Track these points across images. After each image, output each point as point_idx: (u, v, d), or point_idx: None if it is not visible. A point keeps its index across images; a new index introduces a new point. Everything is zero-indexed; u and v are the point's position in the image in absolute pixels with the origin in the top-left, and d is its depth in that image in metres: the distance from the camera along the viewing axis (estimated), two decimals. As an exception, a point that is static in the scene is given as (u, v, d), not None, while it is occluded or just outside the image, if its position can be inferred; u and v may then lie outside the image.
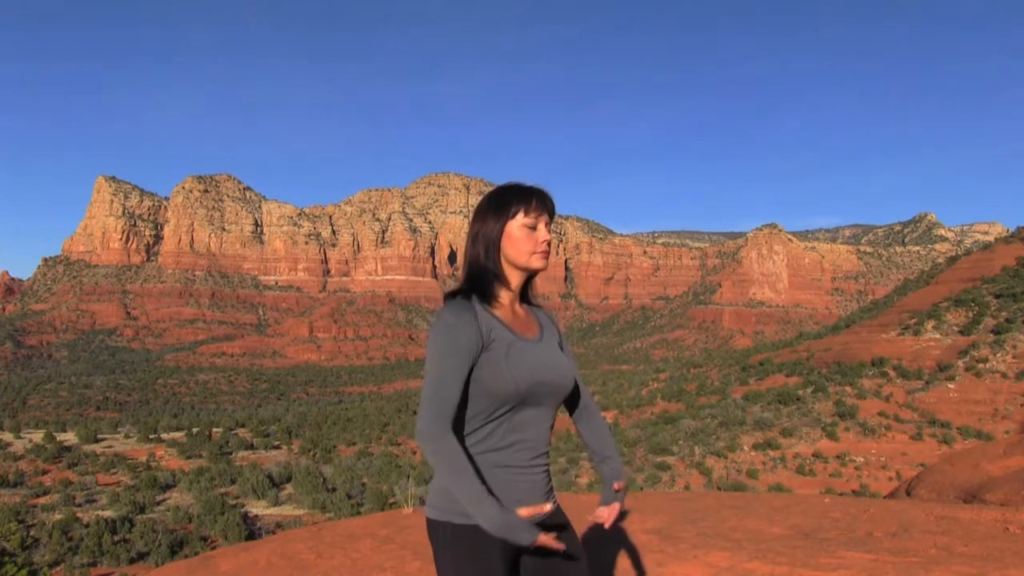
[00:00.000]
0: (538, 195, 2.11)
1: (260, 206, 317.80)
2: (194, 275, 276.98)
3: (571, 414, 2.32)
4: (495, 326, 2.01)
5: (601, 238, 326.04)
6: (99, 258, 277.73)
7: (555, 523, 2.10)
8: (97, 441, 56.25)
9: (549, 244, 2.11)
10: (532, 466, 2.04)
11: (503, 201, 2.10)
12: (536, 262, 2.09)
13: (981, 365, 48.25)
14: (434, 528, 2.01)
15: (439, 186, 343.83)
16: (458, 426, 2.00)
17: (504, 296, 2.11)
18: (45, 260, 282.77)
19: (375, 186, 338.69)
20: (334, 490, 33.48)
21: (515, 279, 2.12)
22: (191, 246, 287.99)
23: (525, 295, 2.21)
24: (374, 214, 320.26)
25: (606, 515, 2.17)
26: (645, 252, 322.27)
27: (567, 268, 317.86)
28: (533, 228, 2.08)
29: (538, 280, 2.33)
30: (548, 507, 2.02)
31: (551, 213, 2.13)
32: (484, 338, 1.96)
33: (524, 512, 1.98)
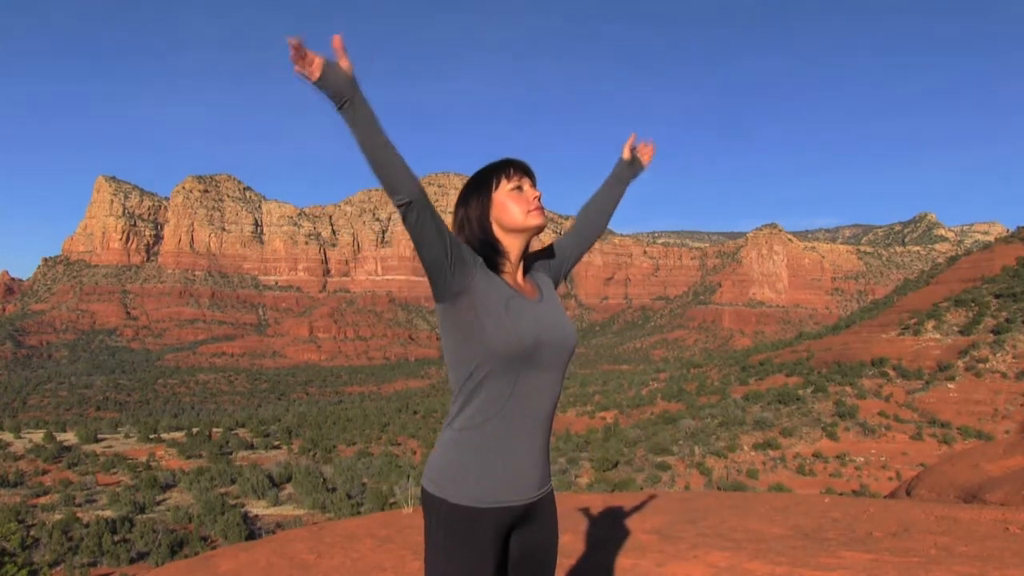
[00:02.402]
0: (513, 162, 2.11)
1: (260, 206, 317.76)
2: (194, 275, 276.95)
3: (585, 236, 2.43)
4: (494, 278, 2.00)
5: (601, 238, 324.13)
6: (99, 258, 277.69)
7: (541, 510, 2.07)
8: (97, 441, 56.22)
9: (541, 200, 2.10)
10: (532, 437, 1.98)
11: (481, 179, 2.10)
12: (534, 219, 2.07)
13: (981, 365, 48.23)
14: (429, 501, 1.98)
15: (439, 186, 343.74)
16: (459, 394, 1.97)
17: (507, 268, 2.10)
18: (45, 260, 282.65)
19: (375, 186, 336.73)
20: (334, 490, 33.48)
21: (515, 248, 2.09)
22: (191, 246, 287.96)
23: (525, 270, 2.19)
24: (374, 214, 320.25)
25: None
26: (645, 252, 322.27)
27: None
28: (520, 189, 2.08)
29: None
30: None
31: (532, 175, 2.12)
32: (474, 267, 1.95)
33: None
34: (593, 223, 2.45)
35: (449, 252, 1.88)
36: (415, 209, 1.81)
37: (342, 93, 1.71)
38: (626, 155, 2.51)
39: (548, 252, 2.31)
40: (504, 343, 1.90)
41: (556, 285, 2.28)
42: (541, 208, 2.09)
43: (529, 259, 2.22)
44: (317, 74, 1.68)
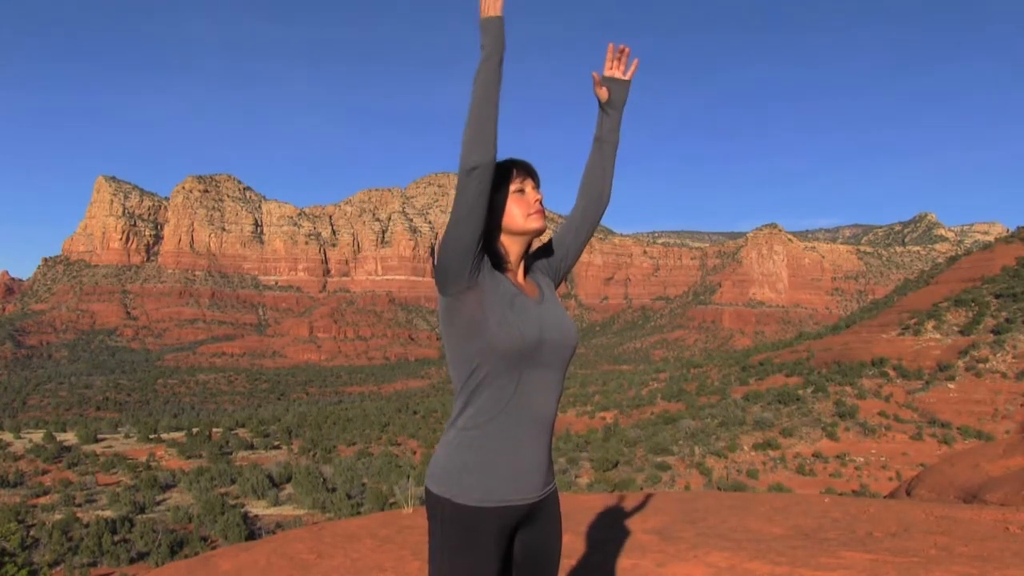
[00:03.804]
0: (516, 163, 2.11)
1: (260, 206, 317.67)
2: (194, 275, 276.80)
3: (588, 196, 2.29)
4: (499, 276, 2.02)
5: (601, 238, 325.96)
6: (99, 258, 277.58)
7: (545, 509, 2.07)
8: (97, 441, 56.18)
9: (542, 203, 2.11)
10: (535, 437, 1.98)
11: None
12: (534, 222, 2.08)
13: (981, 365, 48.21)
14: (434, 501, 1.97)
15: (439, 186, 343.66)
16: (461, 392, 1.97)
17: (508, 269, 2.11)
18: (45, 260, 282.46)
19: (375, 186, 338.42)
20: (334, 490, 33.47)
21: (515, 251, 2.10)
22: (191, 246, 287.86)
23: (525, 271, 2.20)
24: (374, 214, 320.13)
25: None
26: (645, 252, 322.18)
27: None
28: (522, 192, 2.08)
29: None
30: None
31: (535, 177, 2.12)
32: (484, 264, 1.98)
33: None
34: (593, 200, 2.27)
35: (480, 239, 1.91)
36: (484, 175, 1.85)
37: (500, 44, 1.89)
38: (603, 96, 2.26)
39: (547, 250, 2.30)
40: (508, 341, 1.91)
41: (558, 283, 2.28)
42: (542, 211, 2.10)
43: (529, 259, 2.23)
44: (498, 11, 1.89)
